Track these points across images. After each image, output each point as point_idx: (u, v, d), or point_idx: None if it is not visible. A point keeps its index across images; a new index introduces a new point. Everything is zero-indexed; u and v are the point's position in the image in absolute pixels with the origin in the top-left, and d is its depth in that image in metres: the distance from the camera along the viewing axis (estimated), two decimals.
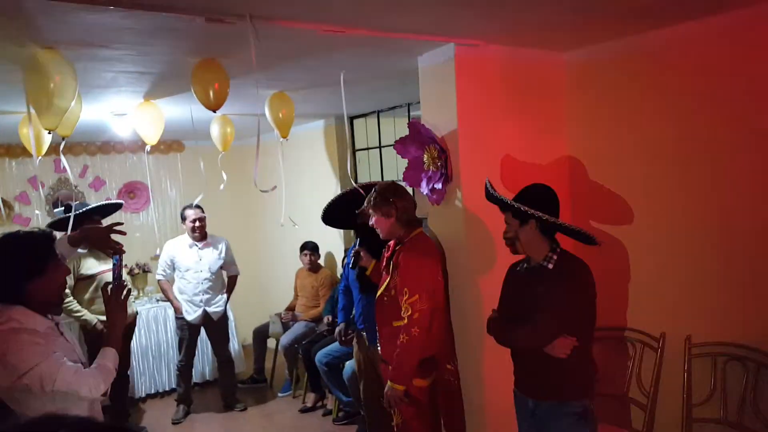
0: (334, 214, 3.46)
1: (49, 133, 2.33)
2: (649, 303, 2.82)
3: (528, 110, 2.96)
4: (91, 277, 4.03)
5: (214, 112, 2.65)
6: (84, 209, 4.01)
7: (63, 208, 4.47)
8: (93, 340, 3.84)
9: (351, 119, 5.07)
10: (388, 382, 2.63)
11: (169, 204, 6.15)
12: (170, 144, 6.11)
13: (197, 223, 4.49)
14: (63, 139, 2.86)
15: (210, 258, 4.56)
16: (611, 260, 2.92)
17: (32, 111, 2.28)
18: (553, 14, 2.32)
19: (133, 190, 5.97)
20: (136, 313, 4.59)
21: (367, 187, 3.05)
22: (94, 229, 2.26)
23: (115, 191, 5.85)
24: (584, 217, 3.03)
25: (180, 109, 3.97)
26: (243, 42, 2.26)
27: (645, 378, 2.81)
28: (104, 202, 4.40)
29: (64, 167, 5.54)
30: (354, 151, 5.10)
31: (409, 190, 3.02)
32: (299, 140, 5.56)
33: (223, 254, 4.66)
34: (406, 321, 2.56)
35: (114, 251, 2.12)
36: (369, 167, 4.99)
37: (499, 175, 2.85)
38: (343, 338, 3.55)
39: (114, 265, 2.13)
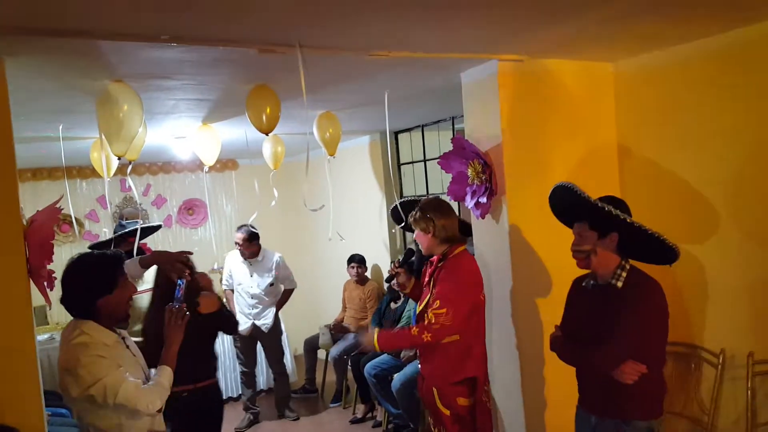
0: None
1: (119, 159, 2.52)
2: (707, 317, 2.73)
3: (575, 122, 2.95)
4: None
5: (267, 135, 2.79)
6: (122, 232, 4.22)
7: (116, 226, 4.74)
8: None
9: (396, 134, 5.17)
10: (375, 335, 2.61)
11: (225, 220, 6.43)
12: (225, 163, 6.40)
13: (238, 245, 4.68)
14: (130, 162, 3.07)
15: (259, 274, 4.74)
16: (665, 272, 2.86)
17: (103, 138, 2.49)
18: (594, 25, 2.32)
19: (191, 207, 6.28)
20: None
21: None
22: (165, 254, 2.45)
23: (176, 208, 6.18)
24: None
25: (235, 131, 4.18)
26: (292, 68, 2.39)
27: (704, 396, 2.73)
28: (142, 225, 4.60)
29: (129, 186, 5.98)
30: (399, 165, 5.19)
31: (454, 205, 3.05)
32: (346, 156, 5.69)
33: (274, 271, 4.81)
34: (425, 323, 2.57)
35: (179, 275, 2.26)
36: (414, 181, 5.06)
37: (546, 188, 2.85)
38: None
39: (178, 287, 2.27)
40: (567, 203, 2.18)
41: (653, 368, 2.05)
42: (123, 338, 2.09)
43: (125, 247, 4.23)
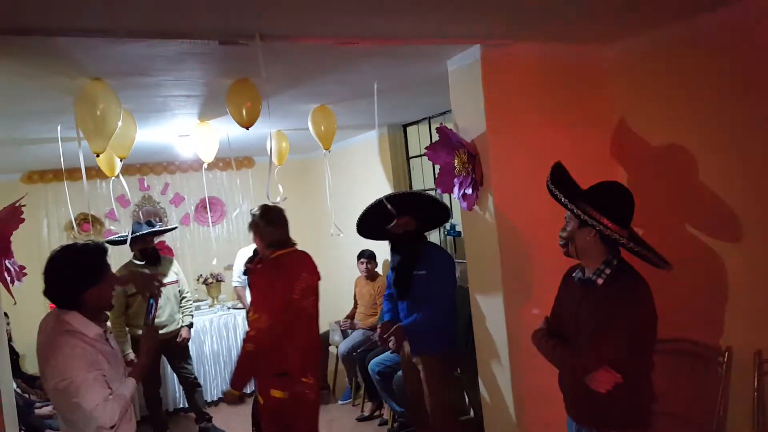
0: (368, 227, 3.50)
1: (98, 156, 2.55)
2: (712, 313, 2.56)
3: (567, 109, 2.82)
4: (135, 295, 4.22)
5: (247, 129, 2.77)
6: (141, 233, 4.32)
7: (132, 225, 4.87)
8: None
9: (404, 127, 5.10)
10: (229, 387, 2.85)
11: (242, 217, 6.49)
12: (242, 161, 6.47)
13: None
14: (121, 160, 3.12)
15: None
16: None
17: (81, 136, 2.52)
18: (590, 6, 2.18)
19: (209, 205, 6.37)
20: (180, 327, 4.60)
21: (396, 196, 3.09)
22: (140, 274, 2.50)
23: (193, 206, 6.28)
24: (635, 219, 2.83)
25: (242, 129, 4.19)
26: (269, 61, 2.36)
27: (709, 396, 2.55)
28: (159, 228, 4.70)
29: (147, 186, 6.12)
30: (408, 159, 5.11)
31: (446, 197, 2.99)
32: (355, 150, 5.68)
33: None
34: (246, 334, 2.80)
35: (151, 295, 2.26)
36: (422, 174, 4.97)
37: (535, 177, 2.73)
38: (384, 338, 3.51)
39: (151, 306, 2.25)
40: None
41: (634, 375, 1.89)
42: (104, 330, 2.08)
43: (141, 245, 4.35)
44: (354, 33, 2.31)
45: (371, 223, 3.42)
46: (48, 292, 1.96)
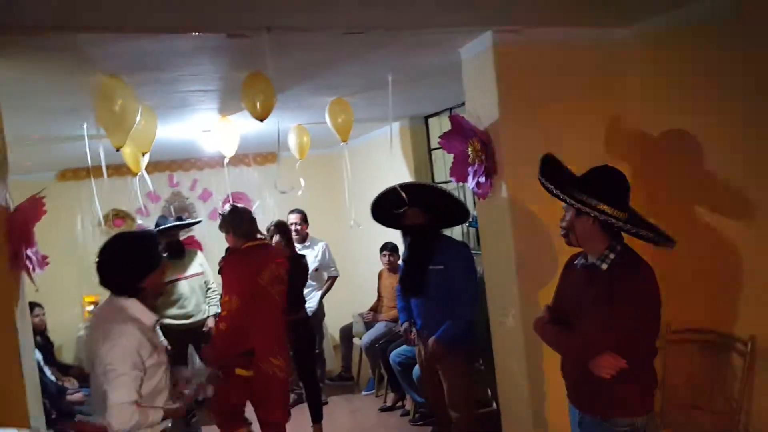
0: (382, 212, 3.46)
1: (117, 150, 2.63)
2: (735, 302, 2.47)
3: (581, 95, 2.75)
4: (169, 283, 4.31)
5: (261, 121, 2.80)
6: (165, 226, 4.43)
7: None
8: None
9: (426, 118, 5.08)
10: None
11: (270, 211, 6.58)
12: (266, 156, 6.56)
13: (296, 224, 4.86)
14: (143, 155, 3.21)
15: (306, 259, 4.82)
16: (688, 253, 2.61)
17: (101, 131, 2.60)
18: None
19: (236, 200, 6.49)
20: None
21: (413, 187, 3.09)
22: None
23: (221, 201, 6.40)
24: (655, 206, 2.75)
25: (267, 123, 4.24)
26: (281, 53, 2.39)
27: (732, 388, 2.47)
28: (181, 222, 4.81)
29: (177, 183, 6.28)
30: (430, 151, 5.09)
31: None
32: (378, 143, 5.69)
33: (319, 256, 4.92)
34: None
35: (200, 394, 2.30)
36: (445, 166, 4.94)
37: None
38: (409, 336, 3.55)
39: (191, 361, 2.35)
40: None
41: (637, 361, 1.85)
42: (157, 320, 2.08)
43: (167, 238, 4.47)
44: (363, 23, 2.31)
45: (385, 209, 3.38)
46: (107, 281, 1.97)
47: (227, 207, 3.45)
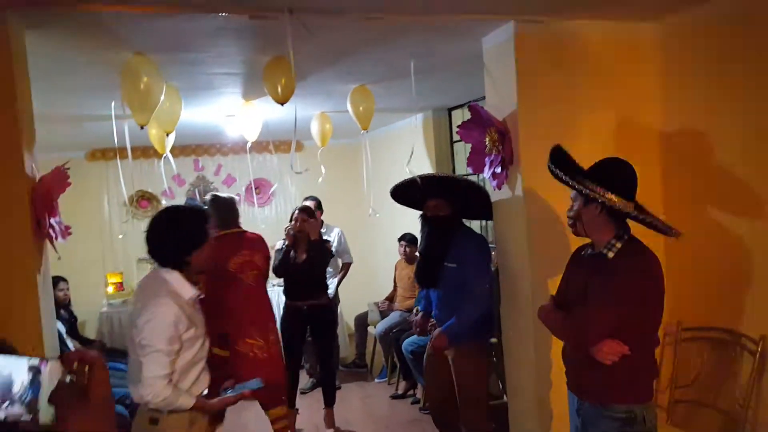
0: (404, 196, 3.42)
1: (141, 128, 2.70)
2: (746, 300, 2.43)
3: (606, 91, 2.72)
4: None
5: (282, 105, 2.85)
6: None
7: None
8: None
9: (449, 110, 5.07)
10: None
11: (290, 198, 6.66)
12: (288, 143, 6.60)
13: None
14: (167, 135, 3.28)
15: None
16: (701, 251, 2.58)
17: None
18: None
19: (258, 186, 6.58)
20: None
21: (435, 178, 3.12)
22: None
23: (244, 187, 6.50)
24: (675, 201, 2.72)
25: (286, 108, 4.29)
26: (303, 37, 2.41)
27: (741, 386, 2.43)
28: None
29: (202, 167, 6.39)
30: (452, 143, 5.08)
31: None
32: (402, 133, 5.69)
33: (334, 243, 4.95)
34: None
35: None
36: (466, 159, 4.92)
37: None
38: (418, 327, 3.54)
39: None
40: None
41: (639, 349, 1.86)
42: (197, 295, 2.08)
43: None
44: (385, 6, 2.32)
45: (409, 194, 3.33)
46: (153, 251, 2.00)
47: (208, 196, 3.57)
